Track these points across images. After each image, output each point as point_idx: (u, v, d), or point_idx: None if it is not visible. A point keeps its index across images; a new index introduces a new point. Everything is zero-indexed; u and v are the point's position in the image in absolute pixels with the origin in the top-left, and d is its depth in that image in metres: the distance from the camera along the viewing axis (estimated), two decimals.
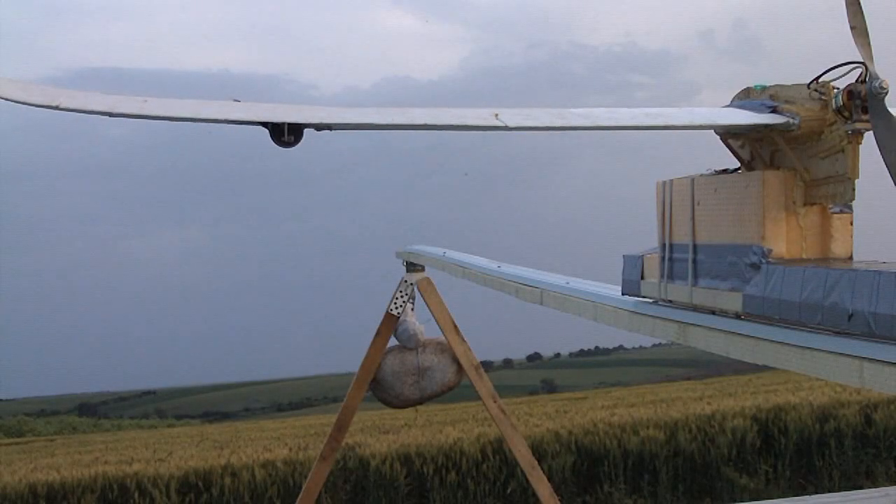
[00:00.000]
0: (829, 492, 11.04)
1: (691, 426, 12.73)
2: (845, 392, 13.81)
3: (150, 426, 43.94)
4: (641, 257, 4.23)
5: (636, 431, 12.57)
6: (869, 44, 2.97)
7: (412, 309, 6.54)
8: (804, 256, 3.32)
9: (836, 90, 3.14)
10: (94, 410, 75.77)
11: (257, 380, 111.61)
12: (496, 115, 3.19)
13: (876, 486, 11.17)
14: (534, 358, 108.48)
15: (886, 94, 2.93)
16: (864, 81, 3.00)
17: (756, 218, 3.31)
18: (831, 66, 3.14)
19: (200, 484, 11.97)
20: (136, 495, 11.73)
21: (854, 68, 3.05)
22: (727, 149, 3.69)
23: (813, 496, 9.62)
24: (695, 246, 3.70)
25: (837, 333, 2.77)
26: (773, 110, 3.28)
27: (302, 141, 2.98)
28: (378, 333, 6.46)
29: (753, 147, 3.59)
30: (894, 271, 2.57)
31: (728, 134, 3.61)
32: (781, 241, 3.29)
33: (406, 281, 6.52)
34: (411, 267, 6.88)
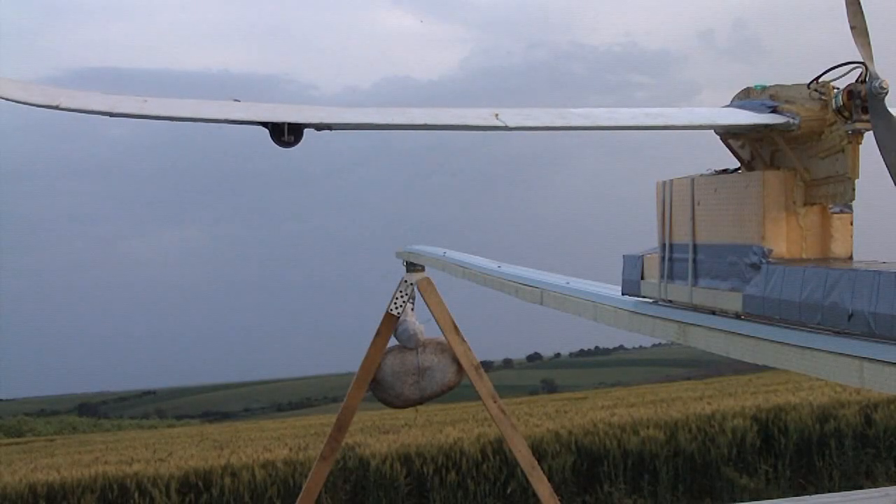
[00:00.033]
0: (829, 492, 11.04)
1: (691, 426, 12.73)
2: (845, 392, 13.81)
3: (150, 426, 43.99)
4: (641, 257, 4.23)
5: (636, 431, 12.57)
6: (869, 44, 2.96)
7: (412, 309, 6.54)
8: (804, 256, 3.32)
9: (836, 90, 3.14)
10: (94, 410, 75.80)
11: (257, 380, 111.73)
12: (496, 115, 3.19)
13: (876, 486, 11.17)
14: (534, 358, 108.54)
15: (886, 94, 2.93)
16: (864, 81, 3.00)
17: (756, 218, 3.31)
18: (831, 66, 3.14)
19: (200, 484, 11.97)
20: (136, 495, 11.73)
21: (854, 68, 3.05)
22: (727, 149, 3.69)
23: (813, 496, 9.61)
24: (695, 246, 3.69)
25: (837, 333, 2.77)
26: (773, 110, 3.28)
27: (302, 141, 2.98)
28: (378, 333, 6.46)
29: (753, 147, 3.59)
30: (894, 271, 2.57)
31: (728, 134, 3.61)
32: (781, 241, 3.29)
33: (406, 281, 6.52)
34: (411, 267, 6.88)
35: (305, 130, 2.99)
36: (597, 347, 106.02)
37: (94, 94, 3.13)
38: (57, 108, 3.00)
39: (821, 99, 3.19)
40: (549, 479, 7.54)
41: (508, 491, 11.84)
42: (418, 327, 6.50)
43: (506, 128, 3.17)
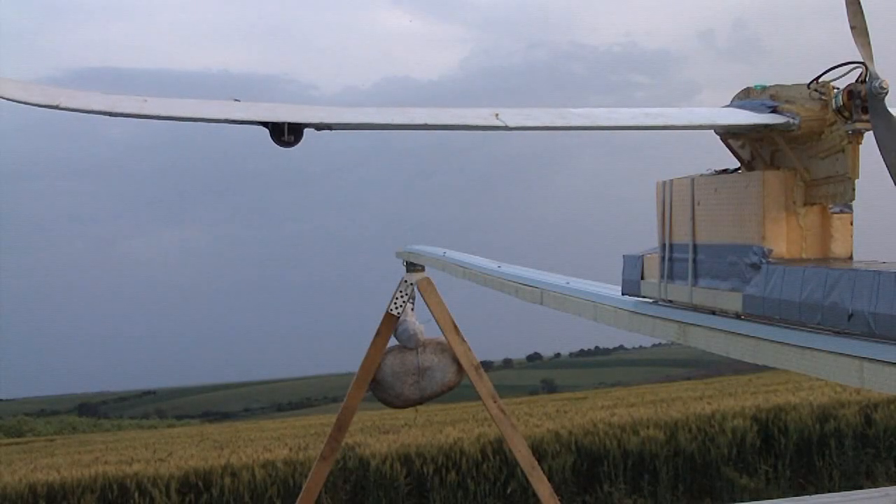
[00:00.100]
0: (829, 492, 11.03)
1: (691, 426, 12.73)
2: (845, 392, 13.80)
3: (150, 426, 44.00)
4: (641, 257, 4.23)
5: (636, 431, 12.56)
6: (869, 44, 2.96)
7: (412, 309, 6.54)
8: (804, 256, 3.32)
9: (836, 90, 3.14)
10: (94, 410, 75.83)
11: (257, 380, 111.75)
12: (496, 115, 3.19)
13: (876, 486, 11.16)
14: (534, 358, 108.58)
15: (886, 94, 2.93)
16: (864, 81, 3.00)
17: (756, 218, 3.31)
18: (831, 66, 3.14)
19: (200, 484, 11.96)
20: (136, 495, 11.73)
21: (854, 68, 3.05)
22: (727, 149, 3.68)
23: (813, 496, 9.60)
24: (695, 246, 3.69)
25: (837, 333, 2.77)
26: (773, 110, 3.28)
27: (302, 141, 2.98)
28: (378, 333, 6.46)
29: (753, 147, 3.59)
30: (894, 271, 2.57)
31: (728, 134, 3.61)
32: (781, 241, 3.29)
33: (406, 281, 6.52)
34: (411, 267, 6.88)
35: (305, 130, 2.99)
36: (597, 347, 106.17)
37: (94, 94, 3.12)
38: (57, 108, 2.99)
39: (821, 99, 3.19)
40: (549, 479, 7.54)
41: (508, 491, 11.84)
42: (418, 327, 6.50)
43: (506, 128, 3.17)
